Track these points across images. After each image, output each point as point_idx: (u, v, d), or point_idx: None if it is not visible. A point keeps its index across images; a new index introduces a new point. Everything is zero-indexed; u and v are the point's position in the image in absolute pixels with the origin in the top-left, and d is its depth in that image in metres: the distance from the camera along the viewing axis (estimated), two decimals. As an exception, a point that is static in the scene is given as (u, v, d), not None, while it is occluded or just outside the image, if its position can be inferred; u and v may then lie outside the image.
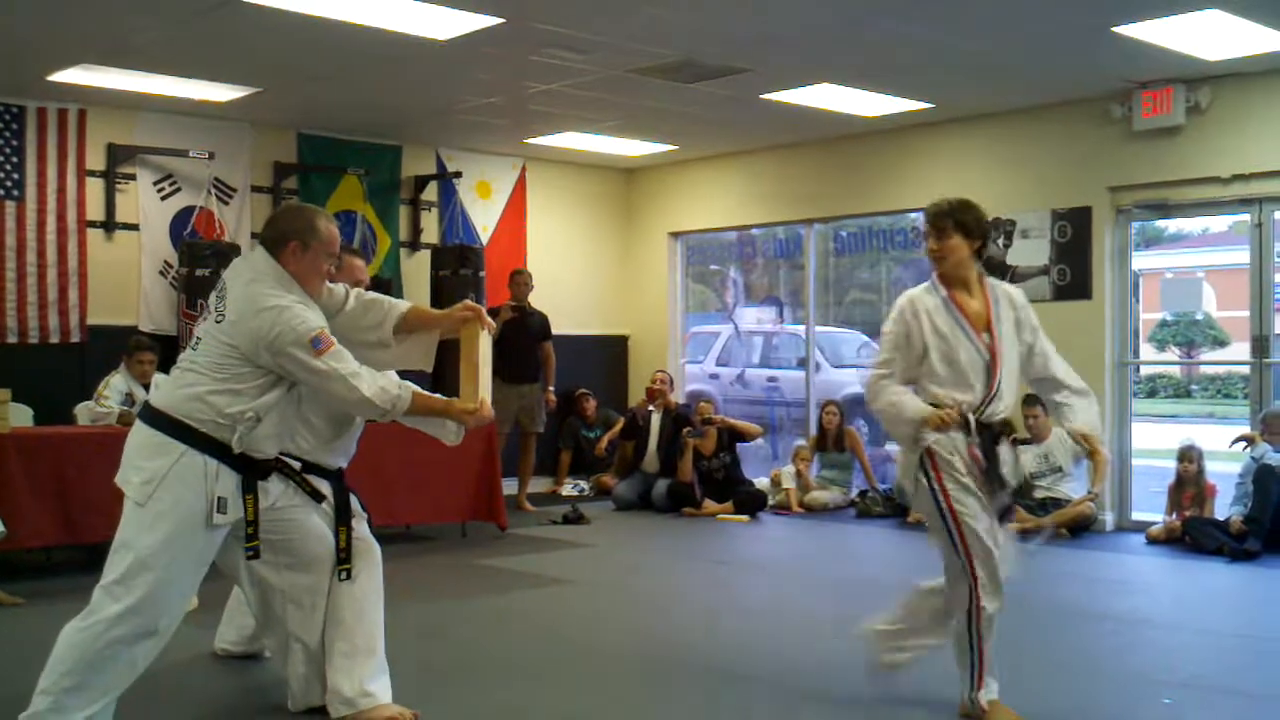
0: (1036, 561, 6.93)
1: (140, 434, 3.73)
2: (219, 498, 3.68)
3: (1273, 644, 5.56)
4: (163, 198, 9.70)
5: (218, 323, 3.72)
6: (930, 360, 4.18)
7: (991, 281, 4.33)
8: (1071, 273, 9.19)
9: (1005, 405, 4.18)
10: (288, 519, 4.03)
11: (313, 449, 4.20)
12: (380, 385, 3.80)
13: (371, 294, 4.16)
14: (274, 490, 3.94)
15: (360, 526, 4.26)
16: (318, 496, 4.13)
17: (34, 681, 3.60)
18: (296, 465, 4.11)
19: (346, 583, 4.10)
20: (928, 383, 4.22)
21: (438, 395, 4.08)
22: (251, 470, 3.78)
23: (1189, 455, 8.42)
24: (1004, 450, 4.21)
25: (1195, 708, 4.31)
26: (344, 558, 4.08)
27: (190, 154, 9.59)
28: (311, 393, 3.97)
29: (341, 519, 4.13)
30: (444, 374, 4.53)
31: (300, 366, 3.69)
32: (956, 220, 4.24)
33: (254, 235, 10.06)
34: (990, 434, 4.16)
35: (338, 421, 4.26)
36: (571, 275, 12.02)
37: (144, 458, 3.67)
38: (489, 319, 4.15)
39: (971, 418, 4.14)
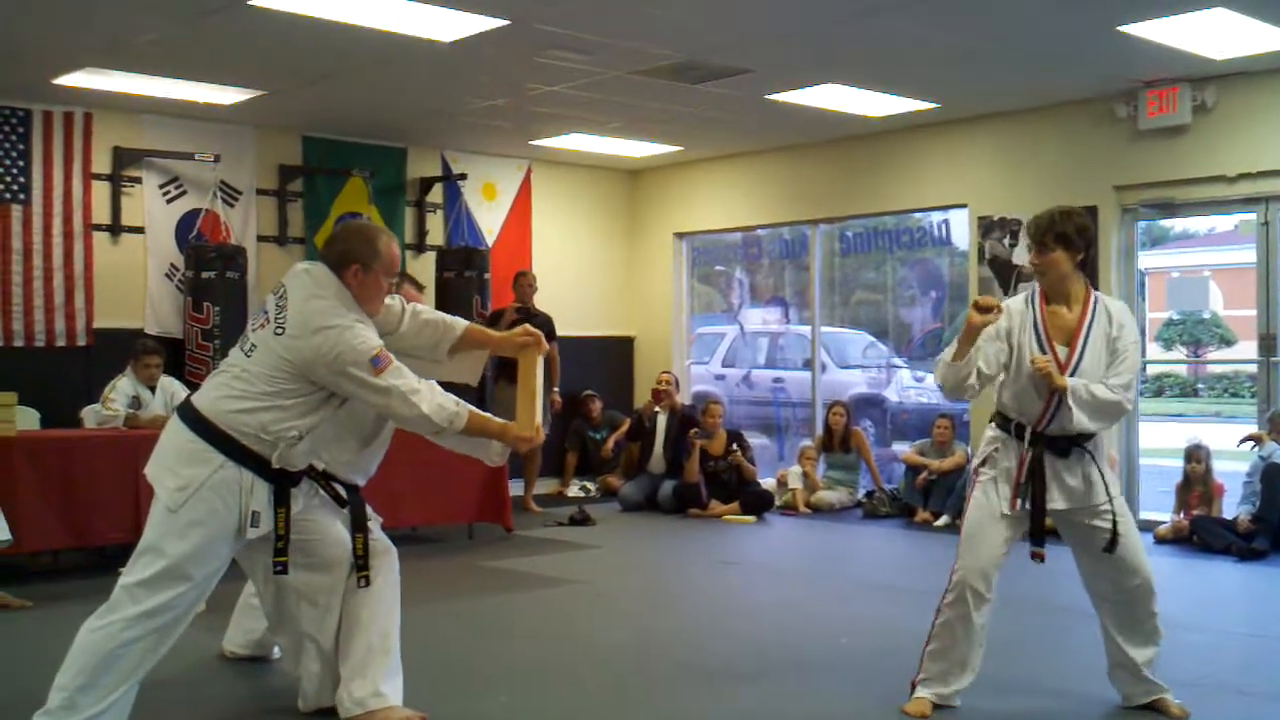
0: (1026, 558, 6.94)
1: (179, 436, 3.73)
2: (253, 511, 3.70)
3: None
4: (168, 200, 9.71)
5: (277, 334, 3.72)
6: (1010, 369, 4.21)
7: (1100, 298, 4.27)
8: (1077, 272, 9.15)
9: (1078, 420, 4.11)
10: (309, 519, 4.03)
11: (335, 464, 4.19)
12: (438, 403, 3.81)
13: (427, 312, 4.18)
14: (299, 495, 3.94)
15: (376, 529, 4.27)
16: (341, 501, 4.14)
17: (43, 683, 3.61)
18: (320, 466, 4.12)
19: None
20: (1001, 391, 4.27)
21: (493, 416, 4.08)
22: (283, 481, 3.79)
23: (1196, 455, 8.40)
24: (1064, 465, 4.19)
25: (1204, 707, 4.30)
26: (362, 564, 4.08)
27: (195, 157, 9.60)
28: (349, 413, 3.97)
29: (358, 526, 4.13)
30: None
31: (359, 385, 3.71)
32: (1058, 233, 4.17)
33: (260, 238, 10.10)
34: (1056, 447, 4.17)
35: (365, 439, 4.26)
36: (576, 277, 12.03)
37: (181, 463, 3.68)
38: (546, 343, 4.17)
39: (1028, 430, 4.17)
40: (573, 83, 8.58)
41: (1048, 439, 4.19)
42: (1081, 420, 4.08)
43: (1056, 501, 4.21)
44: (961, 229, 10.38)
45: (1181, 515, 8.36)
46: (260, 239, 10.12)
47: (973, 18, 7.15)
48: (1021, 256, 9.54)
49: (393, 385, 3.72)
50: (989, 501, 4.25)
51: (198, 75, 8.42)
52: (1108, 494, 4.20)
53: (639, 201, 12.60)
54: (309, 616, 4.12)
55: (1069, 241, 4.17)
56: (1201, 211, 9.83)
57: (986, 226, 9.84)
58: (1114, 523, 4.17)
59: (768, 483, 10.39)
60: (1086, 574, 4.36)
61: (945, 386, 4.31)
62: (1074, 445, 4.19)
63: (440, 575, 7.14)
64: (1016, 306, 4.27)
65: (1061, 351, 4.16)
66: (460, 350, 4.17)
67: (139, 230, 9.57)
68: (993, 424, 4.37)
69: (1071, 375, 4.11)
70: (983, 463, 4.34)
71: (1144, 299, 10.78)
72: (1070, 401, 4.05)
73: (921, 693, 4.26)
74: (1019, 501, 4.20)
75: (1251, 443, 8.13)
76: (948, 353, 4.24)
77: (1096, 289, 4.37)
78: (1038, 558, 4.22)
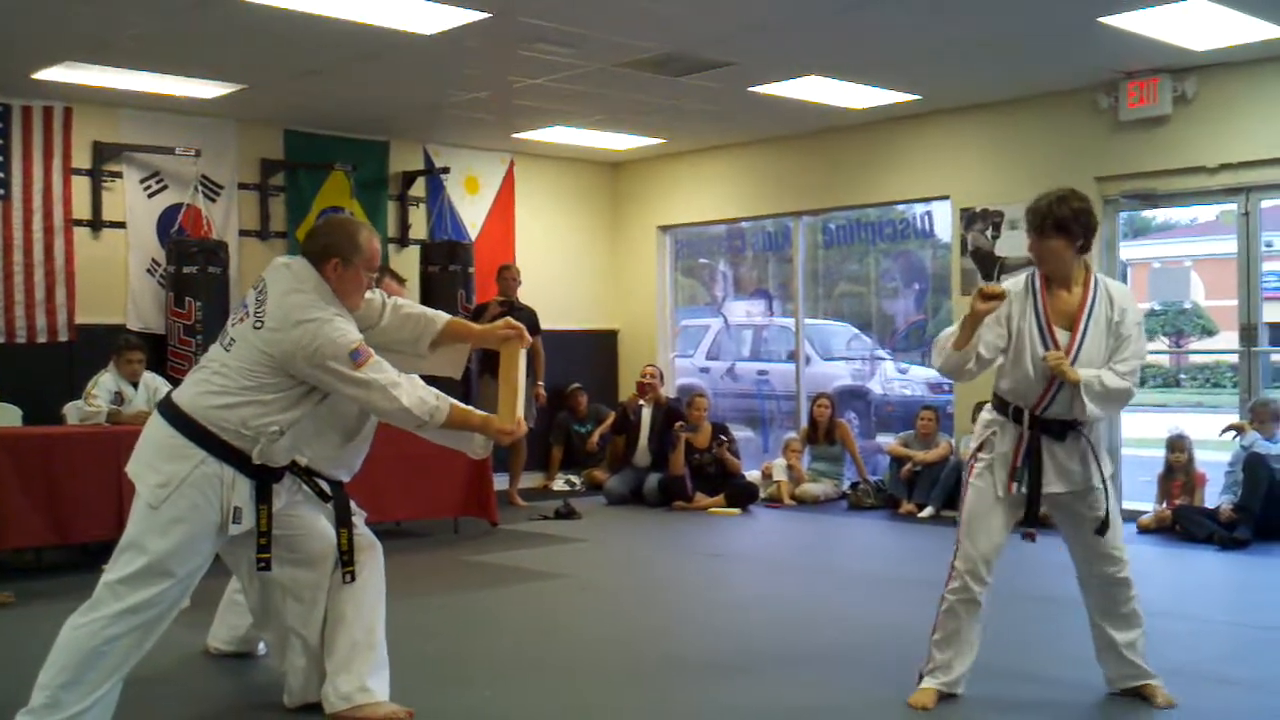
0: (1027, 551, 6.97)
1: (159, 432, 3.72)
2: (235, 507, 3.69)
3: (1263, 632, 5.58)
4: (149, 195, 9.66)
5: (256, 328, 3.71)
6: (1008, 353, 4.21)
7: (1101, 279, 4.25)
8: (1060, 263, 9.17)
9: (1091, 411, 4.10)
10: (293, 515, 4.02)
11: (318, 460, 4.18)
12: (419, 396, 3.80)
13: (408, 306, 4.17)
14: (282, 491, 3.94)
15: (360, 524, 4.26)
16: (324, 496, 4.13)
17: (25, 682, 3.60)
18: (303, 462, 4.11)
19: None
20: (999, 376, 4.27)
21: (474, 409, 4.07)
22: (265, 478, 3.78)
23: (1179, 444, 8.44)
24: (1061, 448, 4.20)
25: (1186, 695, 4.32)
26: (347, 560, 4.08)
27: (176, 151, 9.55)
28: (330, 408, 3.96)
29: (342, 521, 4.12)
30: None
31: (339, 378, 3.70)
32: (1056, 221, 4.14)
33: (242, 232, 10.06)
34: (1052, 431, 4.17)
35: (348, 435, 4.25)
36: (560, 270, 12.01)
37: (162, 459, 3.66)
38: (529, 336, 4.16)
39: (1026, 413, 4.17)
40: (556, 75, 8.56)
41: (1044, 422, 4.19)
42: (1094, 411, 4.10)
43: (1054, 484, 4.21)
44: (944, 221, 10.40)
45: (1164, 505, 8.40)
46: (242, 233, 10.08)
47: (954, 9, 7.16)
48: (1004, 248, 9.57)
49: (372, 379, 3.72)
50: (987, 486, 4.26)
51: (179, 69, 8.37)
52: (1101, 478, 4.22)
53: (622, 194, 12.59)
54: (294, 612, 4.11)
55: (1067, 229, 4.15)
56: (1182, 202, 9.87)
57: (969, 218, 9.86)
58: (1106, 507, 4.19)
59: (752, 475, 10.41)
60: (1075, 558, 4.38)
61: (944, 369, 4.30)
62: (1070, 428, 4.20)
63: (425, 569, 7.13)
64: (1015, 290, 4.26)
65: (1062, 336, 4.15)
66: (442, 344, 4.16)
67: (120, 225, 9.52)
68: (989, 407, 4.37)
69: (1073, 359, 4.11)
70: (979, 447, 4.34)
71: (1127, 288, 10.81)
72: (1084, 395, 4.06)
73: (928, 683, 4.28)
74: (1015, 485, 4.21)
75: (1233, 432, 8.17)
76: (948, 339, 4.22)
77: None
78: (1029, 537, 4.22)
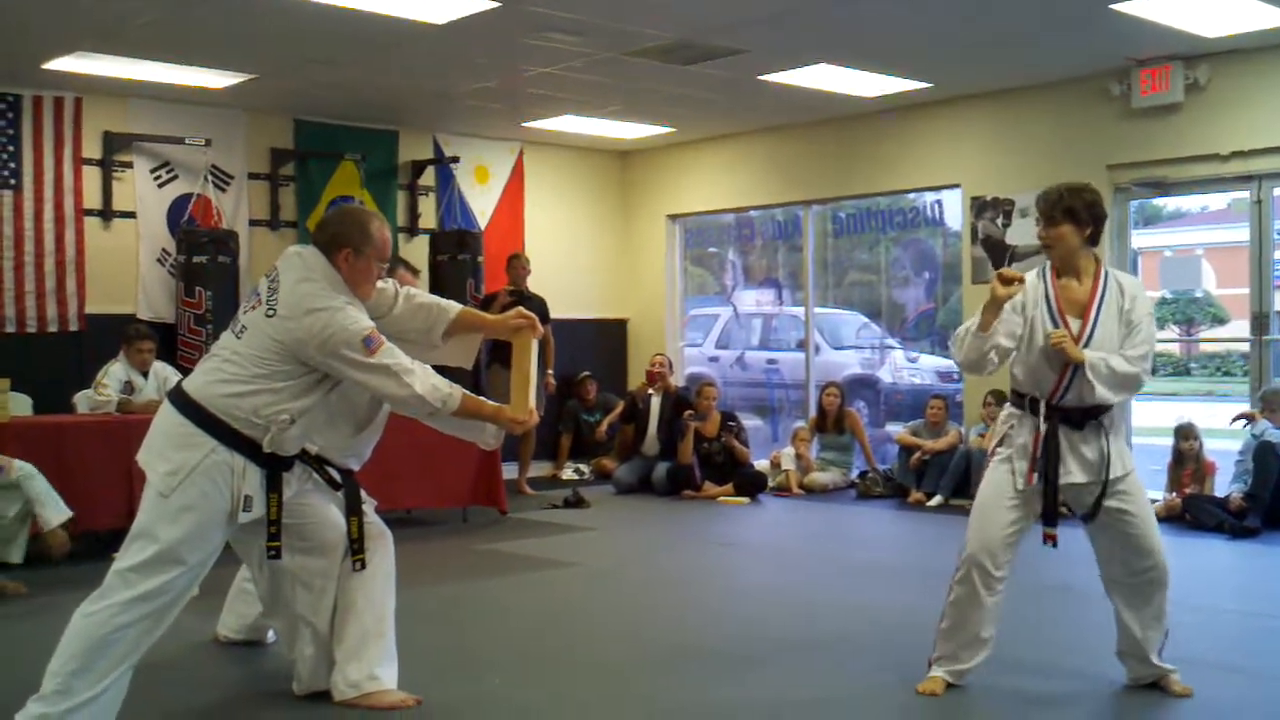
0: (1036, 540, 6.96)
1: (170, 420, 3.73)
2: (245, 496, 3.70)
3: (1274, 621, 5.58)
4: (159, 185, 9.68)
5: (268, 316, 3.72)
6: (1023, 342, 4.20)
7: (1111, 271, 4.26)
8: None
9: (1101, 393, 4.09)
10: (303, 503, 4.04)
11: (329, 448, 4.19)
12: (432, 383, 3.81)
13: (421, 296, 4.18)
14: (293, 479, 3.95)
15: (371, 513, 4.27)
16: (334, 485, 4.14)
17: (36, 669, 3.61)
18: (313, 450, 4.12)
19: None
20: (1014, 365, 4.27)
21: (486, 400, 4.08)
22: (275, 466, 3.79)
23: (1190, 433, 8.42)
24: (1079, 437, 4.18)
25: (1197, 685, 4.32)
26: (357, 548, 4.09)
27: (186, 141, 9.57)
28: (342, 397, 3.97)
29: (353, 510, 4.13)
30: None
31: (352, 365, 3.71)
32: (1065, 208, 4.17)
33: (252, 222, 10.07)
34: (1070, 420, 4.16)
35: (359, 424, 4.26)
36: (570, 259, 12.01)
37: (172, 447, 3.67)
38: (541, 326, 4.17)
39: (1042, 404, 4.16)
40: (565, 64, 8.55)
41: (1062, 412, 4.18)
42: (1104, 394, 4.08)
43: (1074, 475, 4.18)
44: (954, 209, 10.38)
45: (1174, 494, 8.38)
46: (252, 223, 10.09)
47: (965, -3, 7.14)
48: (1014, 236, 9.54)
49: (387, 364, 3.73)
50: (1001, 480, 4.24)
51: (189, 59, 8.38)
52: (1121, 468, 4.18)
53: (631, 183, 12.58)
54: (304, 600, 4.12)
55: (1076, 216, 4.17)
56: (1194, 190, 9.83)
57: (979, 206, 9.84)
58: (1100, 494, 4.16)
59: (761, 464, 10.41)
60: (1101, 555, 4.35)
61: (967, 360, 4.22)
62: (1088, 418, 4.18)
63: (434, 558, 7.15)
64: (1029, 280, 4.26)
65: (1074, 324, 4.15)
66: (454, 334, 4.18)
67: (130, 215, 9.54)
68: (1007, 403, 4.38)
69: (1085, 348, 4.10)
70: (999, 442, 4.33)
71: (1137, 278, 10.78)
72: (1090, 375, 4.06)
73: (936, 671, 4.29)
74: (1034, 476, 4.18)
75: (1244, 421, 8.15)
76: (971, 324, 4.19)
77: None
78: (1050, 540, 4.20)
